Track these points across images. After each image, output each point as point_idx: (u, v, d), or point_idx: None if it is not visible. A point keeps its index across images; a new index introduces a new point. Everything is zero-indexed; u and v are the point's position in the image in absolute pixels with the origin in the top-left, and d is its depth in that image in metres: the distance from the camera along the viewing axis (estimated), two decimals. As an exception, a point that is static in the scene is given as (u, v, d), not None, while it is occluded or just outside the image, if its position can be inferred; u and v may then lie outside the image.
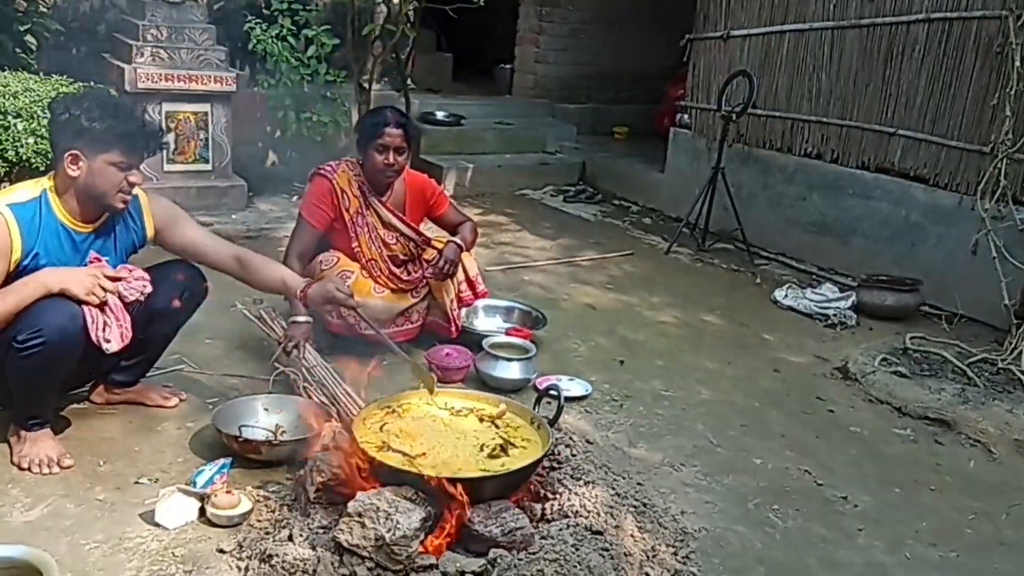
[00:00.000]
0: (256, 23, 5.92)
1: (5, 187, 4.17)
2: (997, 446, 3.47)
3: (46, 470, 2.70)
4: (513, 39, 8.97)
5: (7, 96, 4.16)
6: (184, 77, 5.33)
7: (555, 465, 2.77)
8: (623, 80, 9.01)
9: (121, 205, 2.76)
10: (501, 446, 2.60)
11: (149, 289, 2.75)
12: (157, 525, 2.48)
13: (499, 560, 2.26)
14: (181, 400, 3.21)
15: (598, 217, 6.67)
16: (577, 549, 2.32)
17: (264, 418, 2.99)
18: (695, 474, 3.09)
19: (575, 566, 2.26)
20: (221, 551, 2.40)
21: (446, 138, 7.36)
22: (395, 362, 3.68)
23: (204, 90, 5.40)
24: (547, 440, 2.64)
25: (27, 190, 2.71)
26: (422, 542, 2.28)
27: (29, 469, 2.70)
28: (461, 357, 3.62)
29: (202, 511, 2.53)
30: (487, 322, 4.15)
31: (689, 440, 3.34)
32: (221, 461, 2.69)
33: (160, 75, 5.27)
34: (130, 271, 2.75)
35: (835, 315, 4.72)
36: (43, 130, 4.01)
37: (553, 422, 2.76)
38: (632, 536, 2.53)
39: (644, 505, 2.75)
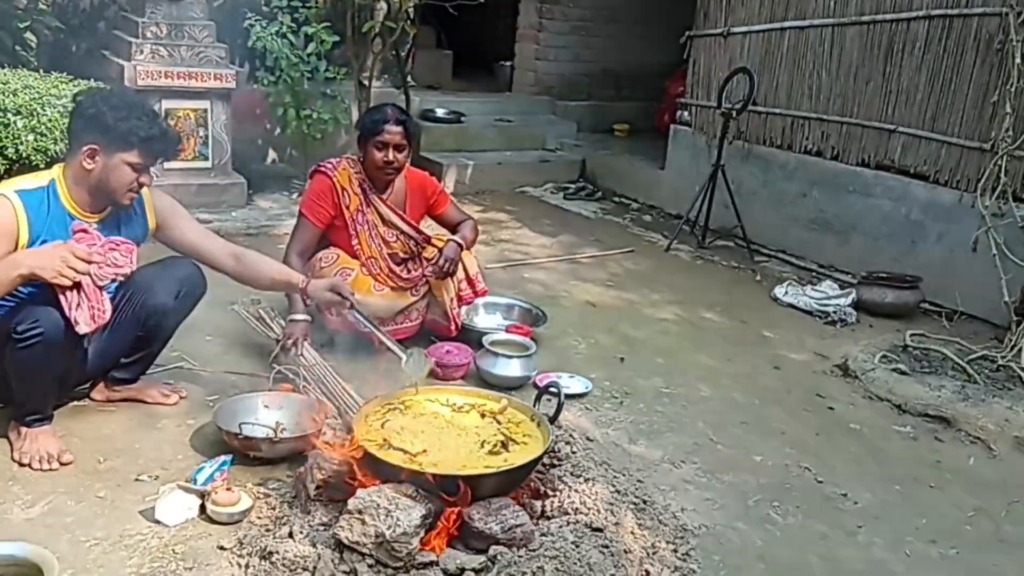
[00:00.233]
0: (256, 20, 5.91)
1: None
2: (997, 443, 3.47)
3: (46, 466, 2.70)
4: (513, 36, 8.97)
5: (7, 93, 4.15)
6: (184, 74, 5.32)
7: (555, 462, 2.77)
8: (623, 77, 9.00)
9: (127, 202, 2.80)
10: (502, 443, 2.60)
11: (126, 271, 2.68)
12: (157, 522, 2.48)
13: (499, 557, 2.26)
14: (181, 397, 3.21)
15: (598, 214, 6.67)
16: (577, 546, 2.33)
17: (264, 415, 2.99)
18: (695, 471, 3.09)
19: (575, 563, 2.27)
20: (221, 548, 2.40)
21: (446, 135, 7.36)
22: (396, 359, 3.69)
23: (204, 87, 5.40)
24: (547, 437, 2.64)
25: (35, 179, 2.74)
26: (422, 539, 2.28)
27: (29, 465, 2.70)
28: (461, 354, 3.63)
29: (202, 508, 2.54)
30: (487, 319, 4.15)
31: (689, 437, 3.34)
32: (221, 458, 2.69)
33: (160, 72, 5.27)
34: (110, 249, 2.67)
35: (835, 312, 4.72)
36: (43, 127, 4.01)
37: (553, 419, 2.76)
38: (632, 533, 2.53)
39: (644, 502, 2.75)
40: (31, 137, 3.99)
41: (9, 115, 4.05)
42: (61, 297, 2.56)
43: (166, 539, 2.43)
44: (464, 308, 3.86)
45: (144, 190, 2.89)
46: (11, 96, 4.14)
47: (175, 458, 2.84)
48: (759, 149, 6.06)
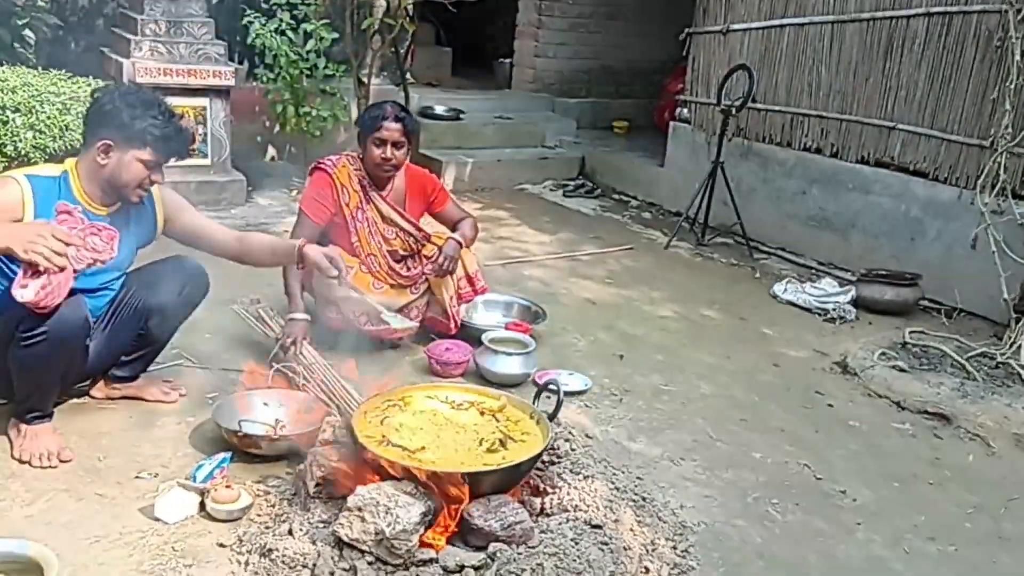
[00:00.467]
0: (255, 17, 5.91)
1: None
2: (996, 440, 3.47)
3: (46, 463, 2.70)
4: (512, 33, 8.96)
5: (5, 91, 4.15)
6: (183, 71, 5.32)
7: (555, 459, 2.77)
8: (623, 74, 9.00)
9: (136, 200, 2.82)
10: (501, 440, 2.60)
11: (104, 257, 2.64)
12: (157, 520, 2.48)
13: (499, 554, 2.26)
14: (181, 395, 3.21)
15: (598, 211, 6.67)
16: (576, 543, 2.33)
17: (263, 413, 2.99)
18: (694, 468, 3.10)
19: (574, 560, 2.27)
20: (221, 545, 2.40)
21: (445, 132, 7.35)
22: (395, 357, 3.70)
23: (203, 84, 5.40)
24: (547, 434, 2.64)
25: (49, 168, 2.76)
26: (422, 536, 2.28)
27: (29, 463, 2.70)
28: (460, 352, 3.63)
29: (202, 506, 2.53)
30: (486, 317, 4.15)
31: (688, 434, 3.34)
32: (221, 456, 2.69)
33: (159, 69, 5.27)
34: (91, 233, 2.61)
35: (834, 309, 4.72)
36: (41, 125, 4.01)
37: (552, 416, 2.76)
38: (631, 530, 2.53)
39: (643, 499, 2.75)
40: (30, 134, 3.99)
41: (8, 112, 4.05)
42: (24, 266, 2.47)
43: (166, 536, 2.43)
44: (463, 306, 3.86)
45: (154, 189, 2.90)
46: (10, 94, 4.15)
47: (175, 456, 2.85)
48: (758, 146, 6.06)
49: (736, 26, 6.14)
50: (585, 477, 2.69)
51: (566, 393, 3.01)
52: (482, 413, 2.77)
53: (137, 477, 2.71)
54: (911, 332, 4.27)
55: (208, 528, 2.48)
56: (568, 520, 2.44)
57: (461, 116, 7.68)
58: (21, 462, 2.71)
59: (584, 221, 6.36)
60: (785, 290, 4.97)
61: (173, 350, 3.37)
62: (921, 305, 4.89)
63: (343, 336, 3.54)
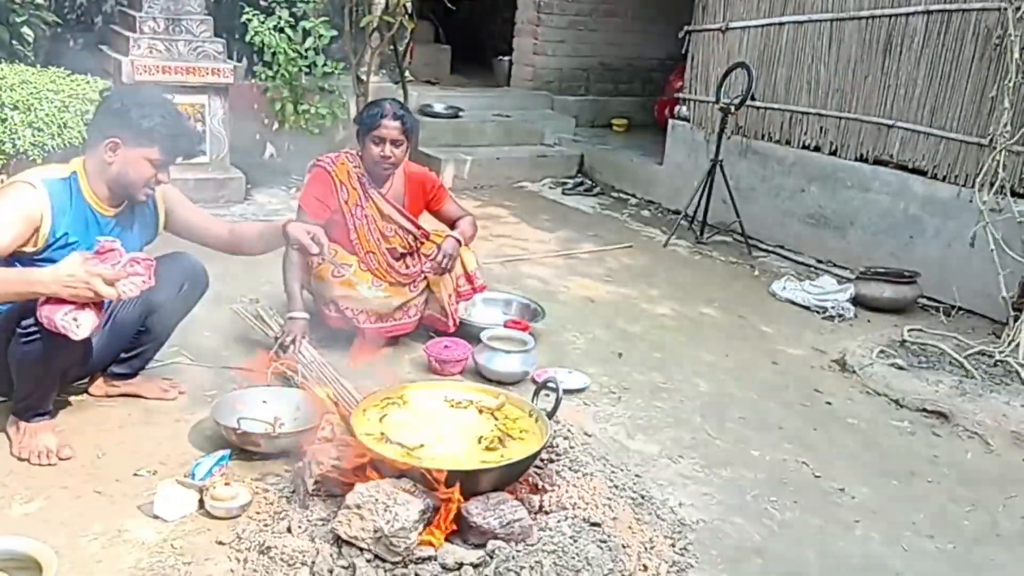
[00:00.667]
0: (254, 14, 5.90)
1: (2, 180, 4.17)
2: (994, 438, 3.47)
3: (45, 461, 2.70)
4: (511, 31, 8.95)
5: (4, 89, 4.15)
6: (181, 69, 5.32)
7: (553, 457, 2.77)
8: (622, 72, 9.00)
9: (143, 198, 2.85)
10: (499, 438, 2.60)
11: (147, 287, 2.65)
12: (156, 517, 2.48)
13: (497, 552, 2.26)
14: (180, 393, 3.21)
15: (596, 209, 6.67)
16: (575, 541, 2.33)
17: (262, 411, 2.99)
18: (693, 466, 3.10)
19: (573, 557, 2.27)
20: (220, 543, 2.41)
21: (444, 130, 7.35)
22: (394, 355, 3.70)
23: (201, 82, 5.39)
24: (545, 432, 2.64)
25: (58, 169, 2.76)
26: (420, 534, 2.28)
27: (28, 460, 2.70)
28: (459, 350, 3.63)
29: (201, 503, 2.53)
30: (485, 315, 4.14)
31: (687, 432, 3.34)
32: (220, 453, 2.70)
33: (157, 67, 5.26)
34: (132, 264, 2.62)
35: (833, 307, 4.73)
36: (40, 122, 4.01)
37: (551, 414, 2.76)
38: (630, 528, 2.54)
39: (642, 497, 2.76)
40: (28, 132, 3.99)
41: (6, 110, 4.05)
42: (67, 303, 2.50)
43: (164, 534, 2.43)
44: (462, 304, 3.86)
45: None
46: (8, 91, 4.14)
47: (173, 453, 2.84)
48: (757, 144, 6.06)
49: (735, 24, 6.13)
50: (584, 475, 2.69)
51: (565, 391, 3.01)
52: (481, 411, 2.77)
53: (136, 474, 2.71)
54: (910, 330, 4.27)
55: (207, 526, 2.48)
56: (567, 518, 2.44)
57: (460, 114, 7.68)
58: (20, 459, 2.71)
59: (583, 219, 6.36)
60: (784, 288, 4.97)
61: (172, 348, 3.37)
62: (920, 303, 4.89)
63: (342, 334, 3.54)
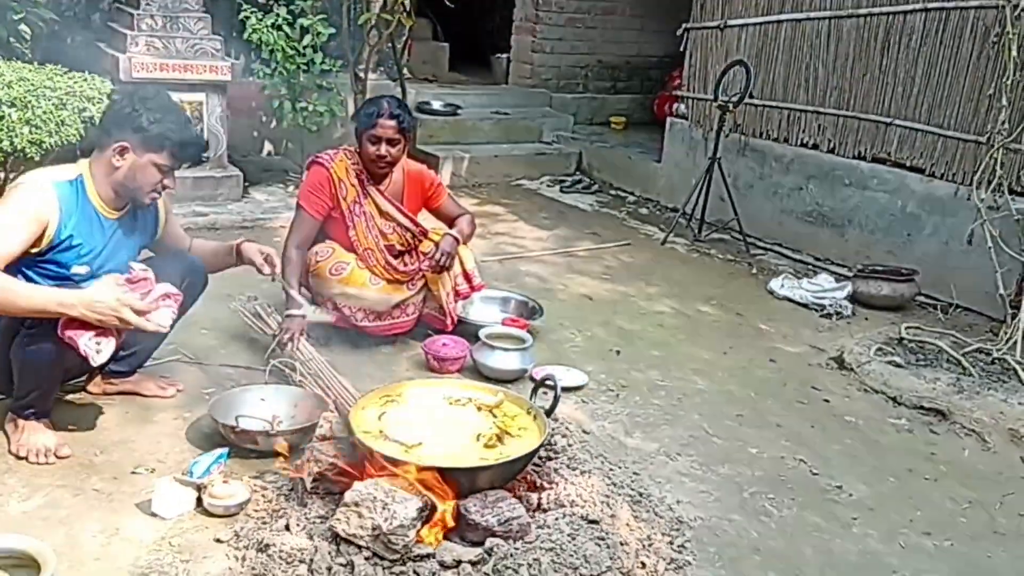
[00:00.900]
0: (252, 12, 5.89)
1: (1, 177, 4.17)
2: (991, 435, 3.48)
3: (43, 460, 2.70)
4: (510, 28, 8.95)
5: (1, 86, 4.13)
6: (179, 66, 5.31)
7: (551, 455, 2.78)
8: (620, 70, 8.99)
9: (148, 203, 2.87)
10: (497, 436, 2.60)
11: (175, 311, 2.67)
12: (154, 515, 2.49)
13: (496, 549, 2.26)
14: (178, 391, 3.22)
15: (595, 207, 6.67)
16: (573, 538, 2.34)
17: (260, 408, 2.99)
18: (691, 464, 3.10)
19: (571, 555, 2.28)
20: (218, 541, 2.41)
21: (442, 128, 7.35)
22: (392, 353, 3.70)
23: (199, 79, 5.38)
24: (544, 430, 2.64)
25: (62, 171, 2.76)
26: (419, 531, 2.29)
27: (26, 459, 2.70)
28: (457, 347, 3.63)
29: (199, 501, 2.54)
30: (483, 312, 4.14)
31: (685, 430, 3.35)
32: (218, 451, 2.69)
33: (155, 64, 5.25)
34: (163, 298, 2.64)
35: (831, 305, 4.73)
36: (37, 120, 3.99)
37: (549, 412, 2.76)
38: (628, 525, 2.54)
39: (640, 494, 2.76)
40: (26, 130, 3.97)
41: (3, 107, 4.03)
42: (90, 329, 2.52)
43: (163, 532, 2.44)
44: (460, 302, 3.86)
45: None
46: (5, 88, 4.12)
47: (171, 451, 2.85)
48: (755, 142, 6.06)
49: (733, 22, 6.13)
50: (582, 472, 2.69)
51: (563, 389, 3.01)
52: (479, 409, 2.78)
53: (134, 472, 2.71)
54: (907, 328, 4.27)
55: (205, 523, 2.48)
56: (565, 515, 2.44)
57: (458, 111, 7.67)
58: (18, 458, 2.71)
59: (581, 217, 6.36)
60: (782, 286, 4.97)
61: (170, 345, 3.37)
62: (917, 301, 4.90)
63: (340, 332, 3.54)
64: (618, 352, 4.00)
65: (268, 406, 3.00)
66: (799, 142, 5.80)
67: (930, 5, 4.98)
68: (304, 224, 3.66)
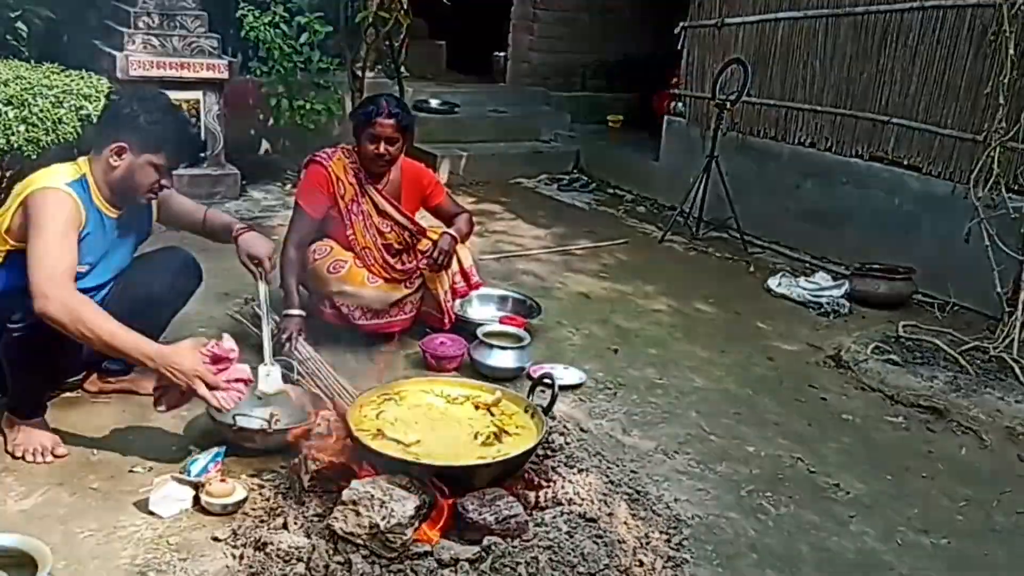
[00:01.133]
0: (249, 10, 5.88)
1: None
2: (988, 434, 3.48)
3: (40, 459, 2.69)
4: (507, 27, 8.94)
5: (-2, 84, 4.13)
6: (176, 64, 5.30)
7: (549, 453, 2.78)
8: (618, 68, 8.99)
9: (145, 202, 2.88)
10: (495, 434, 2.60)
11: (244, 396, 2.66)
12: (151, 513, 2.48)
13: (493, 547, 2.26)
14: (175, 389, 3.20)
15: (592, 206, 6.67)
16: (571, 536, 2.34)
17: (258, 407, 2.98)
18: (688, 462, 3.10)
19: (569, 553, 2.28)
20: (215, 539, 2.40)
21: (440, 126, 7.34)
22: (391, 351, 3.70)
23: (196, 78, 5.38)
24: (541, 428, 2.64)
25: (68, 172, 2.75)
26: (417, 530, 2.29)
27: (23, 458, 2.69)
28: (455, 346, 3.63)
29: (196, 499, 2.53)
30: (481, 311, 4.14)
31: (682, 428, 3.35)
32: (215, 449, 2.69)
33: (152, 62, 5.24)
34: (240, 381, 2.63)
35: (828, 303, 4.74)
36: (34, 118, 3.99)
37: (547, 410, 2.76)
38: (625, 523, 2.54)
39: (638, 493, 2.76)
40: (22, 128, 3.97)
41: (0, 106, 4.03)
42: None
43: (160, 530, 2.43)
44: (458, 300, 3.86)
45: None
46: (2, 87, 4.11)
47: (169, 449, 2.84)
48: (753, 140, 6.07)
49: (731, 20, 6.13)
50: (579, 471, 2.69)
51: (560, 387, 3.01)
52: (477, 407, 2.78)
53: (131, 471, 2.71)
54: (904, 326, 4.28)
55: (202, 522, 2.48)
56: (562, 513, 2.44)
57: (456, 110, 7.67)
58: (15, 457, 2.70)
59: (578, 215, 6.36)
60: (779, 284, 4.98)
61: (165, 343, 3.36)
62: (915, 299, 4.90)
63: (338, 331, 3.54)
64: (616, 350, 4.01)
65: (266, 404, 2.99)
66: (796, 140, 5.80)
67: (927, 4, 4.99)
68: (302, 223, 3.66)
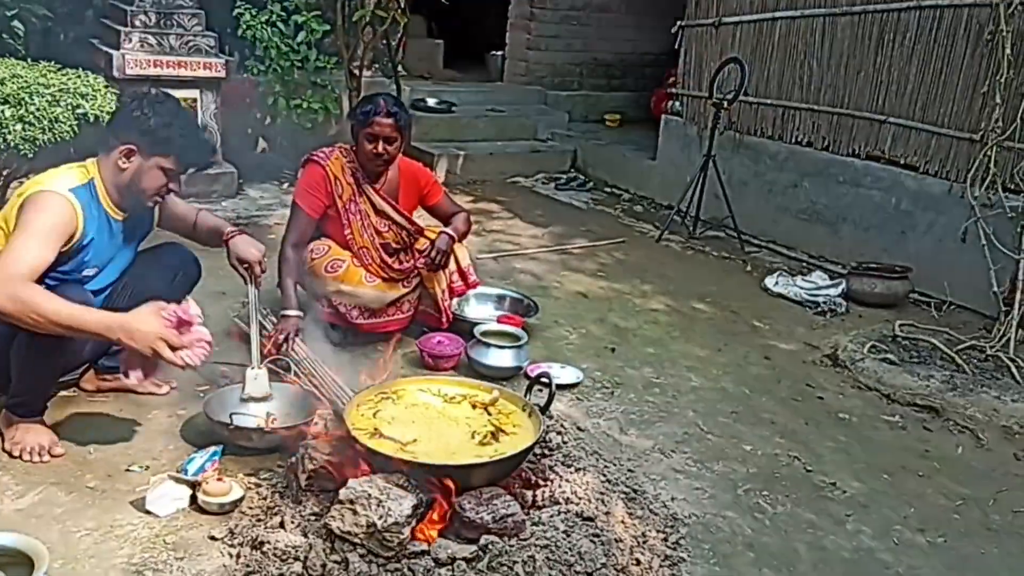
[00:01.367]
0: (246, 9, 5.88)
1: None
2: (985, 432, 3.49)
3: (37, 458, 2.69)
4: (505, 25, 8.94)
5: (-6, 82, 4.12)
6: (173, 63, 5.30)
7: (546, 452, 2.78)
8: (614, 67, 9.00)
9: (152, 205, 2.89)
10: (492, 433, 2.60)
11: (208, 356, 2.65)
12: (148, 512, 2.48)
13: (491, 546, 2.26)
14: (172, 388, 3.21)
15: (589, 205, 6.67)
16: (568, 535, 2.34)
17: (255, 406, 2.98)
18: (685, 461, 3.11)
19: (566, 552, 2.28)
20: (212, 538, 2.40)
21: (437, 125, 7.34)
22: (389, 351, 3.69)
23: (193, 76, 5.37)
24: (538, 427, 2.64)
25: (75, 175, 2.75)
26: (414, 529, 2.29)
27: (20, 456, 2.69)
28: (452, 345, 3.63)
29: (193, 498, 2.53)
30: (478, 310, 4.15)
31: (679, 427, 3.35)
32: (212, 448, 2.69)
33: (149, 61, 5.24)
34: (203, 342, 2.62)
35: (825, 302, 4.74)
36: (31, 117, 3.98)
37: (544, 409, 2.76)
38: (623, 522, 2.54)
39: (635, 491, 2.76)
40: (19, 126, 3.96)
41: (-4, 104, 4.02)
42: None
43: (157, 529, 2.43)
44: (455, 299, 3.86)
45: None
46: (-1, 85, 4.11)
47: (166, 448, 2.84)
48: (750, 139, 6.07)
49: (728, 19, 6.14)
50: (577, 470, 2.69)
51: (558, 386, 3.01)
52: (474, 406, 2.78)
53: (128, 470, 2.71)
54: (901, 325, 4.29)
55: (199, 521, 2.48)
56: (560, 512, 2.44)
57: (453, 109, 7.67)
58: (12, 456, 2.70)
59: (576, 214, 6.36)
60: (776, 283, 4.98)
61: (164, 343, 3.36)
62: (911, 298, 4.91)
63: (335, 331, 3.54)
64: (613, 349, 4.01)
65: (262, 403, 2.99)
66: (793, 139, 5.81)
67: (924, 3, 4.99)
68: (300, 222, 3.65)
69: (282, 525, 2.39)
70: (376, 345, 3.68)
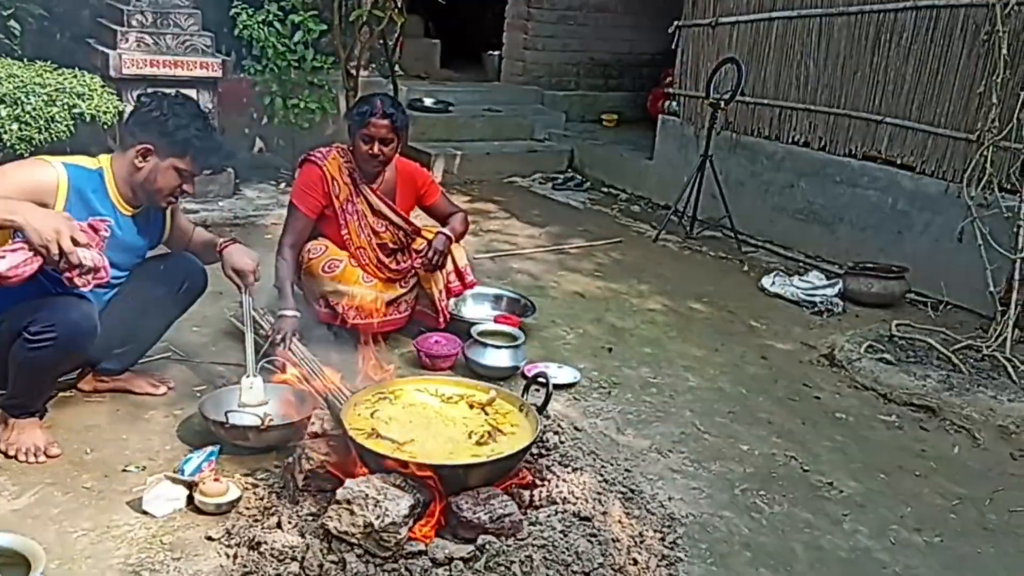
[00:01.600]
0: (242, 8, 5.87)
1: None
2: (981, 432, 3.50)
3: (33, 459, 2.69)
4: (502, 25, 8.94)
5: (-9, 82, 4.12)
6: (169, 63, 5.28)
7: (543, 452, 2.78)
8: (611, 67, 9.01)
9: (165, 206, 2.90)
10: (489, 433, 2.60)
11: (103, 277, 2.52)
12: (145, 513, 2.48)
13: (488, 546, 2.26)
14: (169, 388, 3.21)
15: (586, 205, 6.67)
16: (565, 535, 2.34)
17: (251, 409, 2.98)
18: (682, 460, 3.11)
19: (563, 552, 2.28)
20: (209, 538, 2.40)
21: (434, 125, 7.34)
22: (386, 351, 3.69)
23: (190, 76, 5.35)
24: (535, 427, 2.64)
25: (79, 159, 2.76)
26: (411, 529, 2.29)
27: (16, 457, 2.69)
28: (449, 344, 3.63)
29: (190, 499, 2.53)
30: (475, 310, 4.15)
31: (676, 427, 3.35)
32: (209, 449, 2.69)
33: (145, 61, 5.22)
34: (101, 253, 2.51)
35: (822, 302, 4.75)
36: (27, 116, 3.98)
37: (541, 409, 2.76)
38: (620, 522, 2.54)
39: (632, 491, 2.76)
40: (15, 126, 3.96)
41: (-7, 104, 4.02)
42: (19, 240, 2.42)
43: (154, 530, 2.43)
44: (452, 299, 3.86)
45: None
46: (-5, 85, 4.11)
47: (162, 449, 2.84)
48: (747, 139, 6.08)
49: (725, 19, 6.14)
50: (574, 469, 2.69)
51: (555, 386, 3.02)
52: (471, 406, 2.77)
53: (125, 470, 2.70)
54: (898, 325, 4.29)
55: (196, 521, 2.48)
56: (557, 512, 2.44)
57: (450, 108, 7.67)
58: (8, 456, 2.69)
59: (573, 214, 6.36)
60: (773, 283, 4.99)
61: (161, 343, 3.36)
62: (908, 298, 4.92)
63: (332, 330, 3.54)
64: (610, 349, 4.01)
65: (259, 408, 2.99)
66: (790, 140, 5.82)
67: (921, 3, 5.00)
68: (297, 223, 3.65)
69: (279, 525, 2.38)
70: (373, 345, 3.67)
